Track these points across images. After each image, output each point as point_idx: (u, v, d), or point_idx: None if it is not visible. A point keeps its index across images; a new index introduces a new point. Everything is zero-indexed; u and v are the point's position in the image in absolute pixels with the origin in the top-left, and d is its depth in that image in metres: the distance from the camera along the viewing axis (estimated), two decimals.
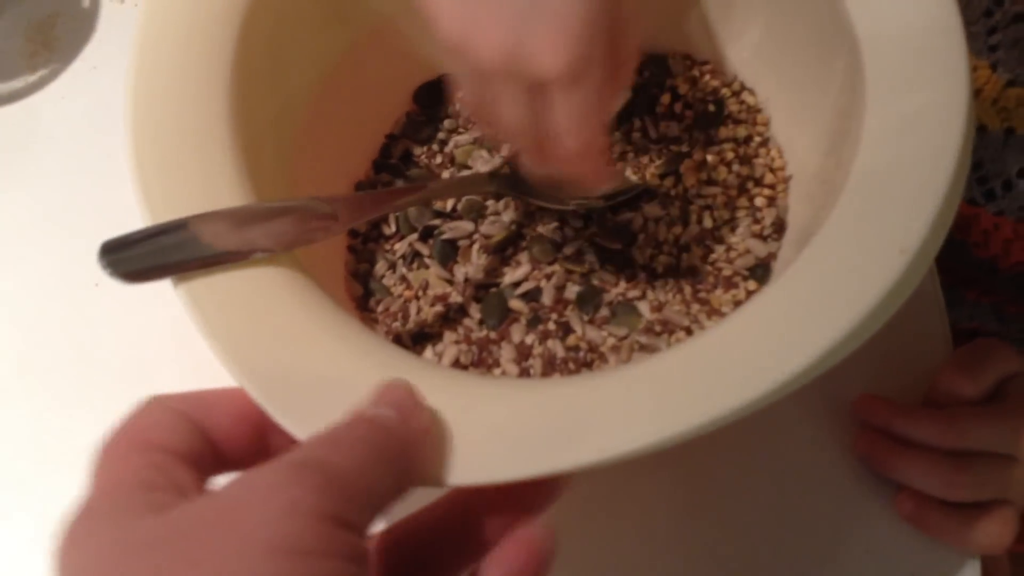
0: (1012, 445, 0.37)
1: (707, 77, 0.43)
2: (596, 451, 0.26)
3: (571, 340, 0.37)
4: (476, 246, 0.41)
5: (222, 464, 0.26)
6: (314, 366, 0.27)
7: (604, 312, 0.38)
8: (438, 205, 0.42)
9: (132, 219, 0.29)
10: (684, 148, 0.41)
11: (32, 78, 0.53)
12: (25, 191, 0.50)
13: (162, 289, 0.28)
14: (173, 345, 0.43)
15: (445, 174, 0.43)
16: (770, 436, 0.40)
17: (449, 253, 0.41)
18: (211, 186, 0.31)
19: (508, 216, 0.41)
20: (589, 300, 0.38)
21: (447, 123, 0.45)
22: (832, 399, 0.40)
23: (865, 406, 0.39)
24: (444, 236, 0.41)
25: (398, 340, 0.39)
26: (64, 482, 0.28)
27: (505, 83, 0.30)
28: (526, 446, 0.26)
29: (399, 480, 0.24)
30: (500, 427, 0.27)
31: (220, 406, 0.26)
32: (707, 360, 0.28)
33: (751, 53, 0.41)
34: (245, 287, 0.29)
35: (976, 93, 0.44)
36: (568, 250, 0.39)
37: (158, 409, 0.25)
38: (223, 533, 0.19)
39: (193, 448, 0.25)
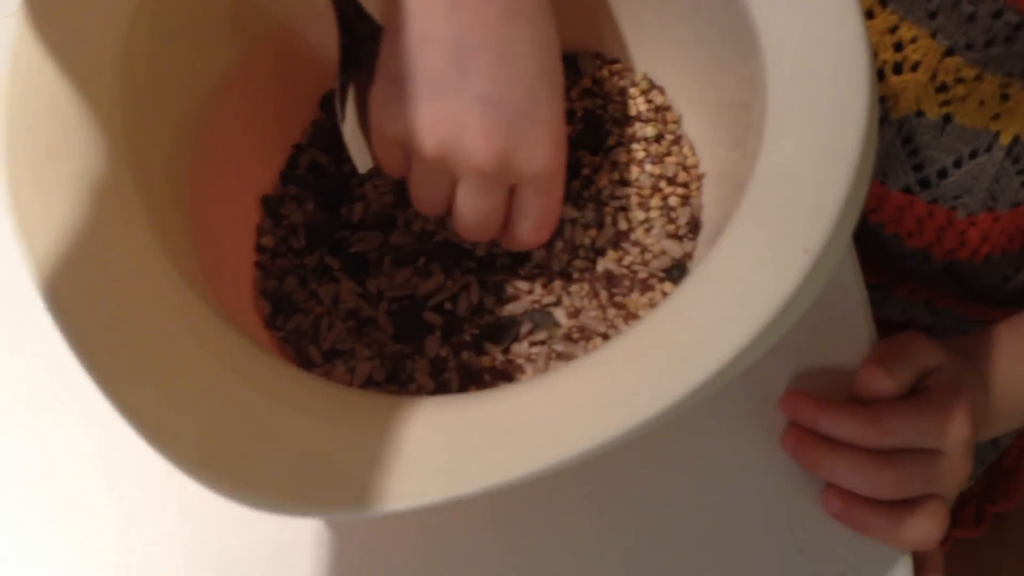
0: (937, 439, 0.37)
1: (615, 77, 0.43)
2: (516, 468, 0.25)
3: (487, 348, 0.37)
4: (387, 258, 0.39)
5: None
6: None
7: (524, 328, 0.37)
8: (348, 215, 0.41)
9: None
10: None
11: None
12: None
13: None
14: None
15: (354, 180, 0.42)
16: (696, 433, 0.39)
17: (360, 266, 0.40)
18: (93, 208, 0.29)
19: (418, 225, 0.40)
20: (507, 331, 0.37)
21: None
22: (759, 394, 0.39)
23: (791, 404, 0.38)
24: (352, 249, 0.40)
25: (308, 358, 0.37)
26: None
27: (483, 182, 0.33)
28: (447, 469, 0.25)
29: None
30: (417, 452, 0.26)
31: None
32: (619, 370, 0.28)
33: (659, 51, 0.41)
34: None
35: (914, 66, 0.44)
36: (480, 254, 0.38)
37: None
38: None
39: None
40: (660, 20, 0.39)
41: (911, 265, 0.52)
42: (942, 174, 0.47)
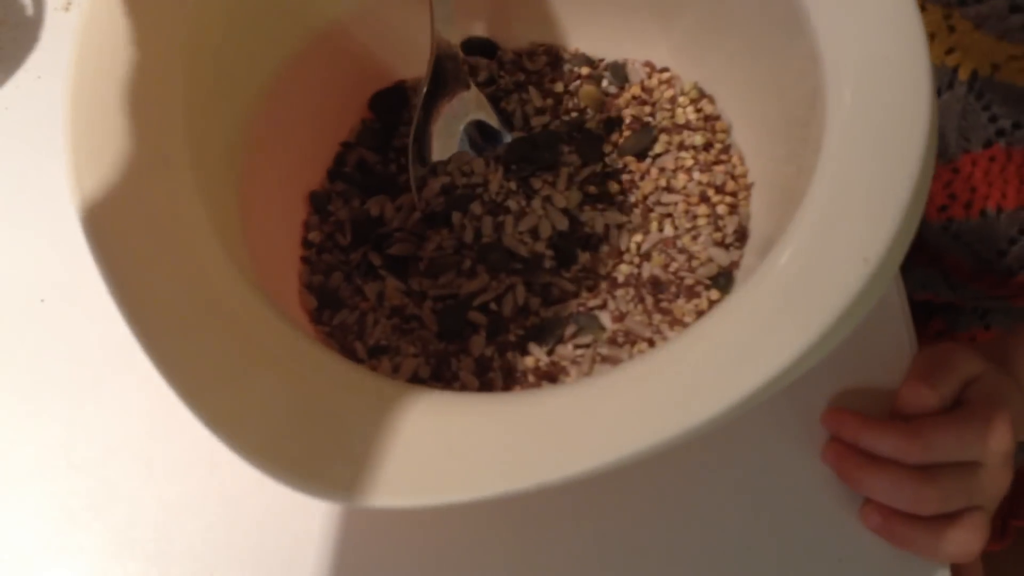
0: (977, 451, 0.37)
1: (664, 86, 0.43)
2: (565, 468, 0.25)
3: (532, 349, 0.37)
4: (424, 261, 0.40)
5: None
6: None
7: (569, 330, 0.37)
8: (388, 214, 0.41)
9: (79, 232, 0.28)
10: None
11: None
12: None
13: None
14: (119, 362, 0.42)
15: (401, 179, 0.42)
16: (738, 443, 0.39)
17: (401, 265, 0.40)
18: (154, 198, 0.30)
19: (471, 230, 0.40)
20: (551, 332, 0.37)
21: (403, 130, 0.44)
22: (801, 405, 0.39)
23: (833, 419, 0.38)
24: (391, 251, 0.40)
25: (353, 354, 0.38)
26: None
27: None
28: (494, 465, 0.25)
29: None
30: (466, 445, 0.26)
31: None
32: (671, 373, 0.27)
33: (711, 61, 0.41)
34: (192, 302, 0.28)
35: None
36: (525, 255, 0.39)
37: None
38: None
39: None
40: (714, 32, 0.40)
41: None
42: None
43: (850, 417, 0.38)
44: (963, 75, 0.45)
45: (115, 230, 0.29)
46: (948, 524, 0.36)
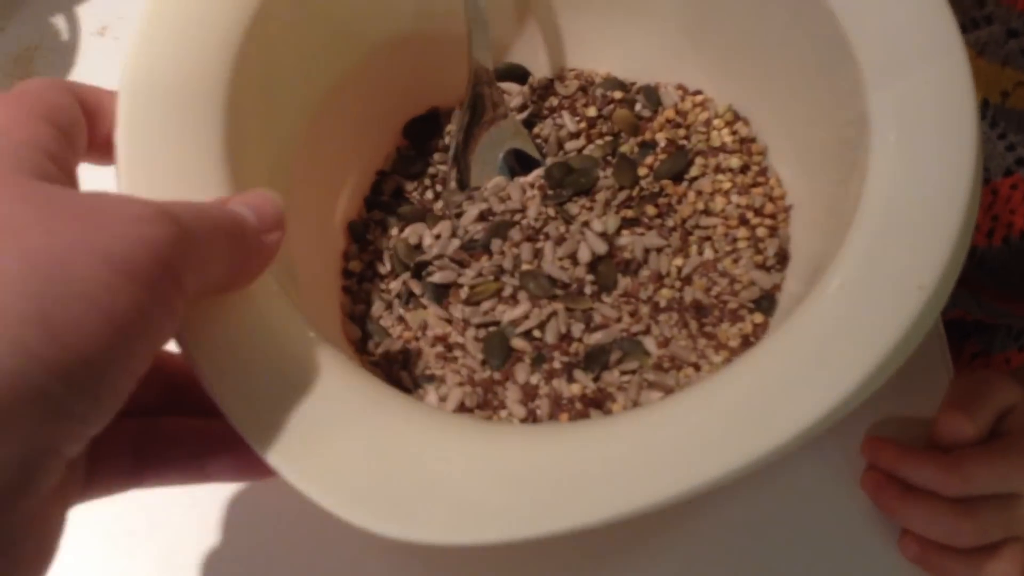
0: (1016, 483, 0.36)
1: (698, 108, 0.43)
2: (613, 506, 0.25)
3: (577, 376, 0.37)
4: (465, 288, 0.40)
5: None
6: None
7: (614, 357, 0.37)
8: (427, 242, 0.41)
9: None
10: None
11: None
12: None
13: None
14: None
15: (438, 206, 0.43)
16: (775, 470, 0.39)
17: (442, 293, 0.40)
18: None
19: (510, 257, 0.40)
20: (596, 359, 0.37)
21: (437, 156, 0.44)
22: (839, 432, 0.39)
23: (871, 449, 0.38)
24: (432, 279, 0.40)
25: (399, 383, 0.38)
26: None
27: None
28: (539, 502, 0.25)
29: (230, 275, 0.26)
30: (514, 480, 0.26)
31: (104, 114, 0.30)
32: (725, 407, 0.27)
33: (745, 83, 0.41)
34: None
35: None
36: (566, 280, 0.39)
37: (67, 95, 0.27)
38: (86, 228, 0.21)
39: (80, 144, 0.28)
40: (750, 55, 0.40)
41: None
42: None
43: (888, 447, 0.38)
44: None
45: None
46: (987, 556, 0.36)
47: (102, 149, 0.30)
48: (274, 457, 0.26)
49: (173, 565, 0.39)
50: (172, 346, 0.28)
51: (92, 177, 0.29)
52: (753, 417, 0.26)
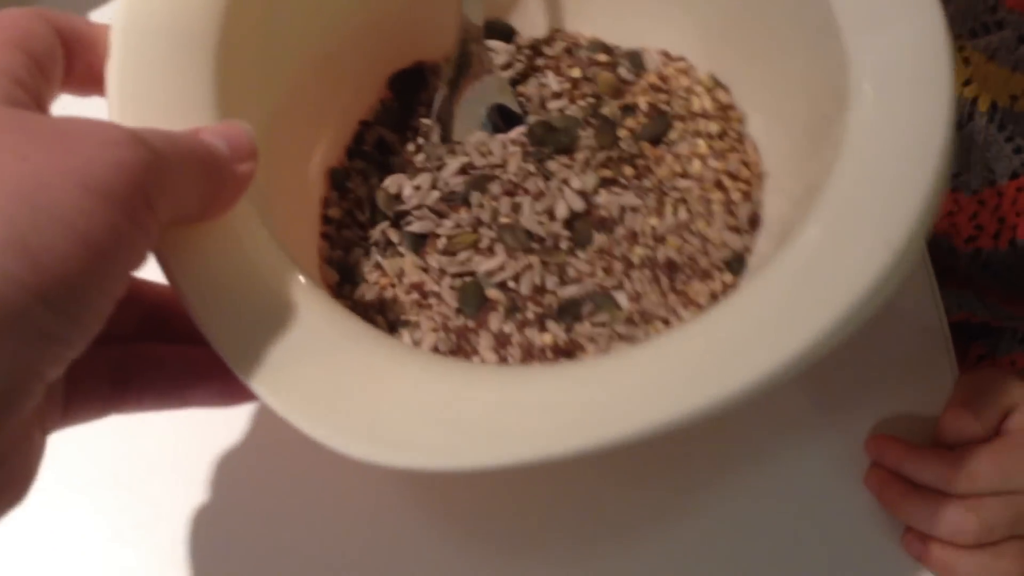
0: (1021, 481, 0.37)
1: (680, 75, 0.44)
2: (588, 439, 0.26)
3: (550, 326, 0.38)
4: (443, 239, 0.40)
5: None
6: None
7: (586, 309, 0.38)
8: (406, 193, 0.42)
9: None
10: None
11: None
12: None
13: None
14: None
15: (419, 158, 0.43)
16: (780, 466, 0.40)
17: (420, 242, 0.41)
18: None
19: (488, 209, 0.40)
20: (569, 311, 0.38)
21: (421, 110, 0.45)
22: (843, 429, 0.40)
23: (876, 446, 0.39)
24: (411, 228, 0.41)
25: (374, 326, 0.38)
26: None
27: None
28: (512, 434, 0.26)
29: (203, 203, 0.27)
30: (489, 414, 0.27)
31: (97, 46, 0.30)
32: (691, 353, 0.28)
33: (727, 52, 0.42)
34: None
35: None
36: (543, 235, 0.39)
37: (42, 23, 0.27)
38: (61, 151, 0.22)
39: (55, 73, 0.27)
40: (737, 26, 0.41)
41: (942, 256, 0.52)
42: None
43: (893, 444, 0.39)
44: (982, 106, 0.45)
45: None
46: (990, 554, 0.36)
47: (84, 79, 0.30)
48: (257, 383, 0.26)
49: (175, 557, 0.40)
50: (152, 275, 0.28)
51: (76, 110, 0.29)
52: (716, 363, 0.27)
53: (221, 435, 0.41)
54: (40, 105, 0.26)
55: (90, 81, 0.30)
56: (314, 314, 0.28)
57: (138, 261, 0.24)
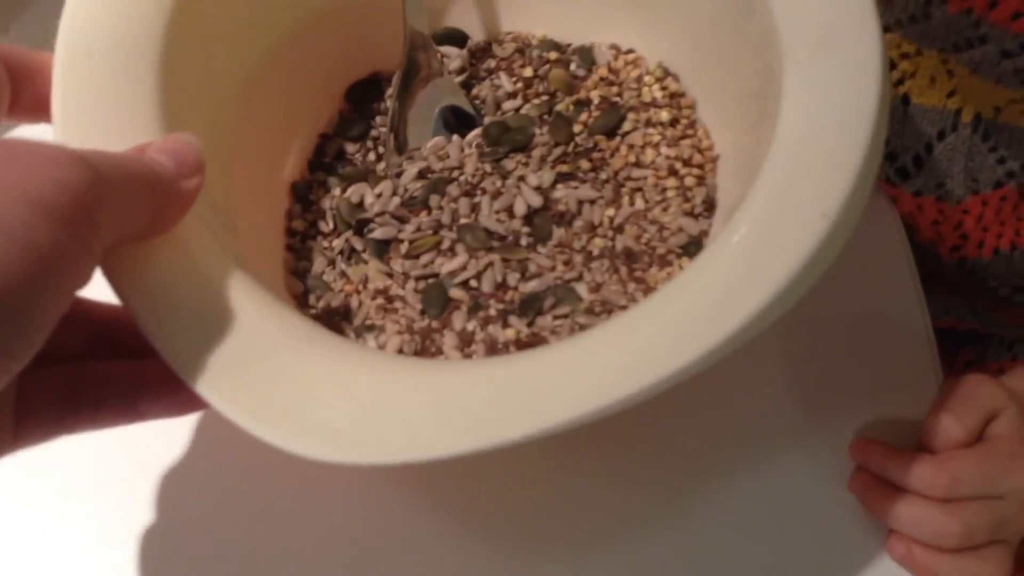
0: (1002, 486, 0.37)
1: (630, 66, 0.44)
2: (547, 418, 0.27)
3: (512, 322, 0.38)
4: (405, 243, 0.41)
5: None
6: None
7: (548, 303, 0.38)
8: (368, 201, 0.42)
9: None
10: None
11: None
12: None
13: None
14: None
15: (379, 167, 0.44)
16: (765, 471, 0.40)
17: (383, 248, 0.41)
18: None
19: (448, 211, 0.41)
20: (531, 306, 0.39)
21: (379, 119, 0.45)
22: (828, 434, 0.41)
23: (860, 450, 0.39)
24: (373, 235, 0.41)
25: (340, 333, 0.39)
26: None
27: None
28: (469, 420, 0.26)
29: (149, 221, 0.27)
30: (445, 402, 0.27)
31: (43, 74, 0.31)
32: (643, 328, 0.29)
33: (674, 40, 0.43)
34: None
35: None
36: (503, 233, 0.40)
37: None
38: (2, 165, 0.22)
39: (2, 101, 0.29)
40: (676, 11, 0.41)
41: (927, 263, 0.52)
42: (917, 162, 0.48)
43: (877, 448, 0.39)
44: (966, 117, 0.45)
45: None
46: (972, 557, 0.37)
47: (31, 107, 0.31)
48: (204, 388, 0.27)
49: (167, 555, 0.40)
50: (98, 295, 0.29)
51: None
52: (666, 340, 0.28)
53: (209, 436, 0.42)
54: None
55: (38, 108, 0.31)
56: (261, 318, 0.29)
57: (82, 279, 0.25)
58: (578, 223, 0.40)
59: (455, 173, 0.42)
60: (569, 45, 0.46)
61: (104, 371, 0.30)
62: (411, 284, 0.40)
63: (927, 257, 0.52)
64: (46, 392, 0.29)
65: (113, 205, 0.25)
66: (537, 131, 0.43)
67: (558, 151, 0.42)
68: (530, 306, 0.38)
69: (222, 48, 0.38)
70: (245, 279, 0.30)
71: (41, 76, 0.31)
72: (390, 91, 0.46)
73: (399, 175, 0.43)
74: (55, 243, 0.22)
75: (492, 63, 0.46)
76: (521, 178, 0.41)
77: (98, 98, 0.31)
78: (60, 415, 0.29)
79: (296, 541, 0.40)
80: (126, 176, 0.25)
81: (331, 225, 0.42)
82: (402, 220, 0.41)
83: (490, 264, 0.40)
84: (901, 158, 0.48)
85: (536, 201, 0.40)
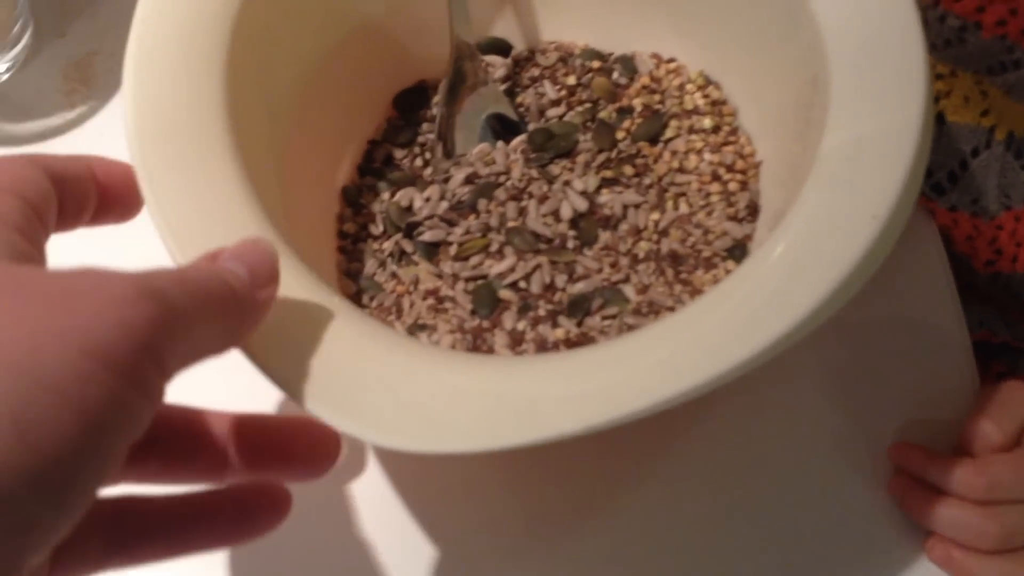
0: None
1: (672, 75, 0.46)
2: (588, 417, 0.27)
3: (561, 322, 0.39)
4: (454, 245, 0.42)
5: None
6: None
7: (596, 303, 0.39)
8: (417, 205, 0.43)
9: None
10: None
11: (71, 115, 0.52)
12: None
13: None
14: None
15: (427, 172, 0.45)
16: (805, 472, 0.41)
17: (432, 250, 0.42)
18: (224, 205, 0.32)
19: (496, 215, 0.42)
20: (579, 307, 0.40)
21: (425, 126, 0.47)
22: (867, 436, 0.41)
23: (900, 453, 0.40)
24: (423, 238, 0.42)
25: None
26: None
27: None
28: (517, 415, 0.27)
29: (225, 339, 0.25)
30: (496, 397, 0.28)
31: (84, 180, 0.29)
32: (695, 328, 0.29)
33: (717, 50, 0.44)
34: None
35: None
36: (550, 236, 0.41)
37: (33, 167, 0.26)
38: (59, 312, 0.20)
39: (50, 216, 0.27)
40: (719, 22, 0.42)
41: (962, 274, 0.53)
42: (952, 178, 0.49)
43: (916, 451, 0.40)
44: (1000, 135, 0.46)
45: (183, 219, 0.31)
46: (1010, 559, 0.37)
47: (73, 218, 0.29)
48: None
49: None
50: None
51: None
52: (716, 340, 0.29)
53: None
54: (39, 250, 0.26)
55: (78, 218, 0.29)
56: (338, 319, 0.30)
57: (138, 431, 0.22)
58: (623, 227, 0.41)
59: (502, 178, 0.43)
60: (611, 54, 0.47)
61: (150, 506, 0.28)
62: (461, 285, 0.41)
63: (962, 268, 0.52)
64: (86, 531, 0.25)
65: (184, 336, 0.22)
66: (581, 137, 0.44)
67: (602, 157, 0.43)
68: (579, 307, 0.39)
69: (281, 62, 0.39)
70: (328, 291, 0.31)
71: (82, 184, 0.29)
72: (437, 99, 0.47)
73: (446, 180, 0.44)
74: (112, 396, 0.20)
75: (536, 72, 0.47)
76: (566, 183, 0.43)
77: (172, 115, 0.33)
78: (101, 555, 0.26)
79: (296, 540, 0.40)
80: (200, 299, 0.23)
81: (381, 228, 0.44)
82: (451, 223, 0.43)
83: (538, 266, 0.41)
84: (936, 174, 0.49)
85: (582, 205, 0.42)
